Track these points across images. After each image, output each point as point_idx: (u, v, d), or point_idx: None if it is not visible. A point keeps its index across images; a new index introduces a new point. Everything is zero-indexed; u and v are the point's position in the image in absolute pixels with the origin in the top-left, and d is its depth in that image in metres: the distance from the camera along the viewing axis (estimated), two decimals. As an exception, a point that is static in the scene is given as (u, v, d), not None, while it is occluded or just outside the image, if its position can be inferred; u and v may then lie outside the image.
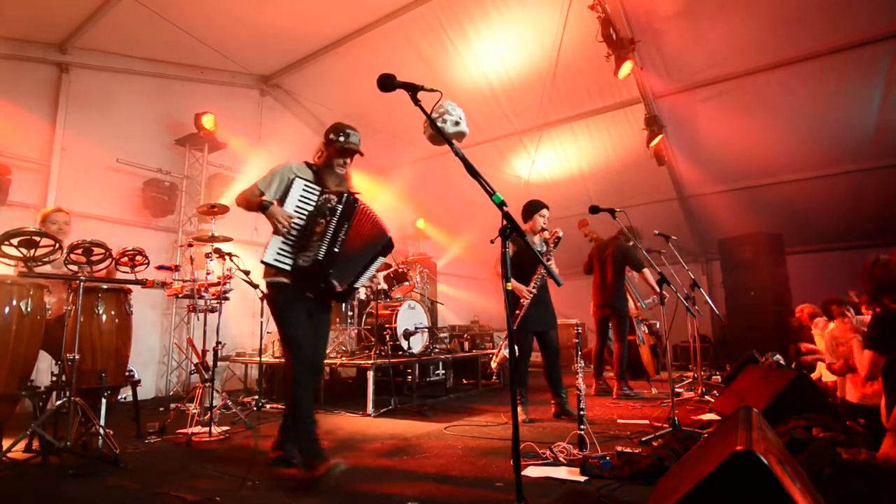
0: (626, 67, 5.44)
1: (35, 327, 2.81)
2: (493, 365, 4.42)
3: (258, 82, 7.33)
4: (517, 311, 3.90)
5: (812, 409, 2.87)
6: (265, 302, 2.77)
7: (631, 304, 6.00)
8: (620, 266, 5.37)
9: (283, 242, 2.52)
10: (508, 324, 1.77)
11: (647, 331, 6.47)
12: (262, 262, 2.52)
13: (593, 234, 5.72)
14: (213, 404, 3.59)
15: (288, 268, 2.50)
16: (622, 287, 5.45)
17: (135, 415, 3.51)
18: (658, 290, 3.56)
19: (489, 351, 6.92)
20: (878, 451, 2.27)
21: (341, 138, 2.68)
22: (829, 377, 4.21)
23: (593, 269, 5.58)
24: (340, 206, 2.61)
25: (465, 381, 6.63)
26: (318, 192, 2.61)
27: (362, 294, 6.05)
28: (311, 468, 2.36)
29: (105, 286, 3.20)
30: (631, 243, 5.36)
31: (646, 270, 5.24)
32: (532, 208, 4.26)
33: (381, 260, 2.90)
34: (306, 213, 2.57)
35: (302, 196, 2.57)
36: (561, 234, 4.17)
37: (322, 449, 2.50)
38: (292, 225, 2.52)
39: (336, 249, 2.57)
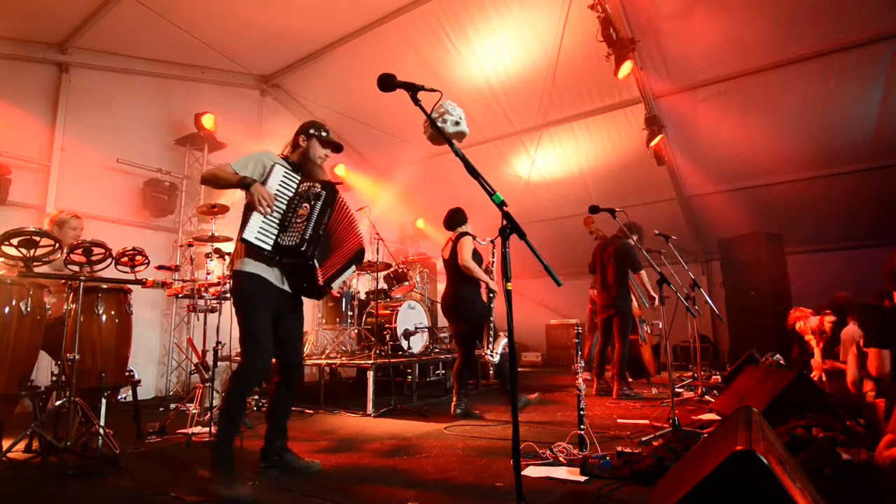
0: (626, 67, 5.44)
1: (35, 327, 2.81)
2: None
3: (258, 82, 7.33)
4: (493, 306, 4.09)
5: (812, 409, 2.87)
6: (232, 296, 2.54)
7: (634, 303, 5.98)
8: (622, 265, 5.28)
9: (265, 221, 2.43)
10: (509, 323, 1.77)
11: (649, 331, 6.44)
12: (242, 239, 2.36)
13: (598, 232, 5.62)
14: (213, 404, 3.58)
15: (268, 247, 2.40)
16: (625, 287, 5.33)
17: (135, 415, 3.51)
18: (656, 292, 3.55)
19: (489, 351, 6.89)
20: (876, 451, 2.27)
21: (323, 133, 2.72)
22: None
23: (596, 269, 5.53)
24: (324, 193, 2.58)
25: (465, 381, 6.61)
26: (297, 181, 2.58)
27: (363, 294, 6.05)
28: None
29: (105, 286, 3.20)
30: (632, 238, 5.34)
31: (642, 273, 5.20)
32: (464, 217, 4.59)
33: (353, 267, 2.82)
34: (287, 197, 2.52)
35: (283, 182, 2.52)
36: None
37: (220, 460, 2.28)
38: (274, 206, 2.45)
39: (321, 232, 2.52)
